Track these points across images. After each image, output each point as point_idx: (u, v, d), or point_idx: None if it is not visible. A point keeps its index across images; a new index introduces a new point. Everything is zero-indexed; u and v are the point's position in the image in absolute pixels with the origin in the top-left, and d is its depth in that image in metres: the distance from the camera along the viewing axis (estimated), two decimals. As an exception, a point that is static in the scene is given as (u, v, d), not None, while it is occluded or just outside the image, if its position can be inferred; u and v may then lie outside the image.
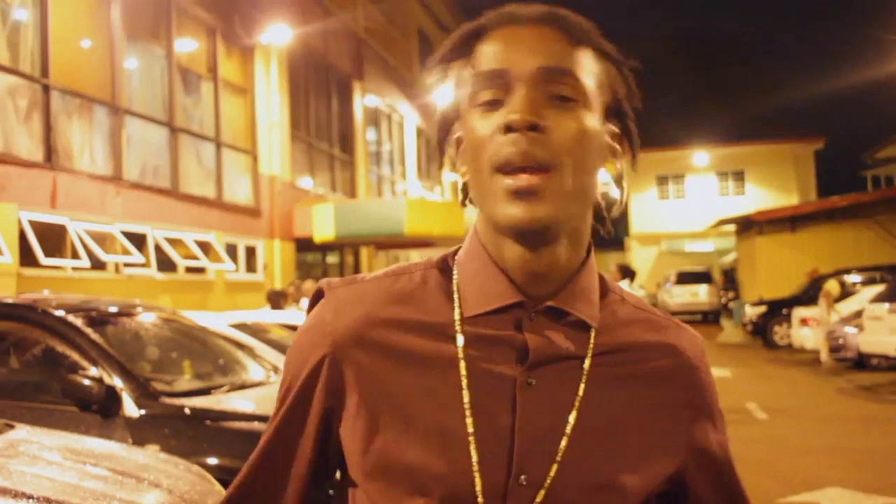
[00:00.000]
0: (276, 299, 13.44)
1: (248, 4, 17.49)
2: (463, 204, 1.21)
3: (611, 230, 1.25)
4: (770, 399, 13.05)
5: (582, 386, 1.12)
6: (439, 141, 1.21)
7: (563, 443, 1.09)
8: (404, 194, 27.84)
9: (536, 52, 1.09)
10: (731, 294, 35.73)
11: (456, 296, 1.15)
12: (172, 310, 7.87)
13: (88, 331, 5.62)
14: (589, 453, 1.11)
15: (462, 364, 1.10)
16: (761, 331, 22.81)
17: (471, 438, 1.08)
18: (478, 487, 1.07)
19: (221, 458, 5.00)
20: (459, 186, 1.20)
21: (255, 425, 5.28)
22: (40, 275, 11.12)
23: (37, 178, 11.45)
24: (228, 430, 5.26)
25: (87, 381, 5.17)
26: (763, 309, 23.16)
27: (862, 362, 16.31)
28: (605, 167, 1.16)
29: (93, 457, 3.90)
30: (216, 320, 9.04)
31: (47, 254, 11.17)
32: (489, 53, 1.11)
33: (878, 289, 17.07)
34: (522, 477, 1.08)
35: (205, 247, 15.44)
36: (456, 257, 1.20)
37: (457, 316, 1.13)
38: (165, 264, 14.11)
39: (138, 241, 13.37)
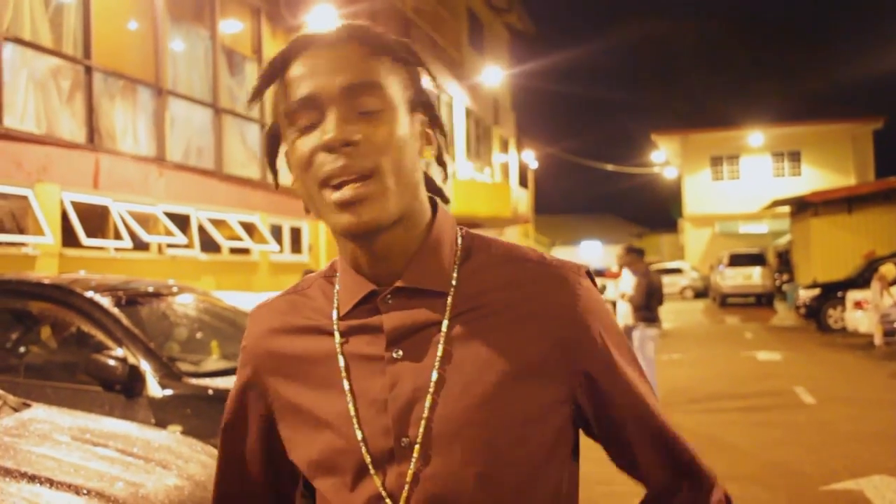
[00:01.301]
0: None
1: (292, -15, 17.46)
2: (306, 211, 1.33)
3: (448, 198, 1.39)
4: (820, 383, 12.76)
5: (440, 346, 1.23)
6: (269, 160, 1.36)
7: (428, 401, 1.22)
8: (452, 175, 27.72)
9: (338, 72, 1.20)
10: (785, 276, 35.10)
11: (336, 299, 1.32)
12: (205, 290, 7.85)
13: (114, 311, 5.59)
14: (453, 406, 1.21)
15: (339, 357, 1.28)
16: (815, 314, 22.34)
17: (353, 419, 1.25)
18: (367, 460, 1.23)
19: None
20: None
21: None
22: (82, 255, 11.21)
23: (79, 159, 11.52)
24: (252, 412, 5.20)
25: (110, 362, 5.15)
26: (817, 292, 22.68)
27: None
28: (425, 153, 1.29)
29: (104, 437, 3.86)
30: (254, 301, 9.02)
31: (89, 234, 11.25)
32: (297, 81, 1.22)
33: (936, 271, 16.59)
34: (404, 439, 1.22)
35: (249, 228, 15.48)
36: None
37: (335, 316, 1.31)
38: (209, 245, 14.18)
39: (181, 222, 13.43)
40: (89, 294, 5.69)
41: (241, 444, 1.42)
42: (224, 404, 4.41)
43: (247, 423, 1.40)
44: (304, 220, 17.97)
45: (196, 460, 3.87)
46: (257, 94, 1.30)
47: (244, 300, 8.54)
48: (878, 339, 16.80)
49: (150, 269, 12.30)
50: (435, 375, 1.22)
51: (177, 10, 14.30)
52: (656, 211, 61.63)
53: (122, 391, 5.21)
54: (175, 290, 6.76)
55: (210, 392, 5.25)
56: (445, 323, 1.24)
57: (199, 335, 6.51)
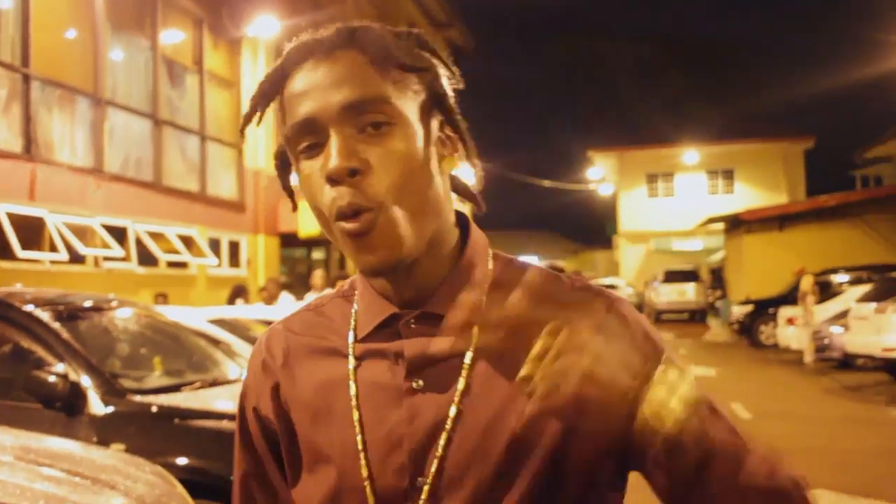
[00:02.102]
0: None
1: (234, -4, 17.35)
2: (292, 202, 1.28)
3: (483, 207, 1.27)
4: (755, 399, 12.95)
5: (462, 380, 1.12)
6: (282, 182, 1.25)
7: (443, 438, 1.11)
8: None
9: (337, 87, 1.08)
10: (718, 293, 35.68)
11: (353, 318, 1.21)
12: (146, 305, 7.75)
13: (55, 325, 5.49)
14: (469, 445, 1.10)
15: (352, 383, 1.16)
16: (747, 330, 22.77)
17: (361, 454, 1.13)
18: (370, 501, 1.12)
19: (190, 458, 4.89)
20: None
21: (225, 424, 5.15)
22: (17, 268, 10.97)
23: (15, 169, 11.30)
24: (197, 429, 5.14)
25: (51, 378, 5.03)
26: (750, 308, 23.09)
27: (847, 362, 16.27)
28: (444, 166, 1.16)
29: (49, 457, 3.78)
30: (194, 316, 8.91)
31: (24, 247, 11.02)
32: (294, 101, 1.11)
33: (865, 288, 17.00)
34: (419, 479, 1.11)
35: (187, 241, 15.30)
36: None
37: (350, 338, 1.19)
38: (146, 258, 13.98)
39: (119, 234, 13.23)
40: (28, 308, 5.58)
41: (260, 460, 1.26)
42: (169, 422, 4.34)
43: (268, 471, 1.25)
44: (243, 234, 17.81)
45: (143, 480, 3.81)
46: (249, 118, 1.17)
47: (176, 315, 8.44)
48: (808, 356, 17.14)
49: (86, 283, 12.08)
50: (453, 410, 1.11)
51: (117, 18, 14.11)
52: (592, 227, 62.21)
53: (63, 408, 5.10)
54: (115, 304, 6.65)
55: (154, 409, 5.16)
56: (469, 355, 1.12)
57: (142, 350, 6.41)
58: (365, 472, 1.12)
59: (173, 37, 16.16)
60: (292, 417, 1.20)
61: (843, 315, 16.31)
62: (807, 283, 17.99)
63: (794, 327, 18.66)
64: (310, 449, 1.18)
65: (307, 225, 18.35)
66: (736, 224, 30.30)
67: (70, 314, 5.85)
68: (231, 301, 13.20)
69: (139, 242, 13.76)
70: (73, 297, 6.37)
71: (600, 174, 48.46)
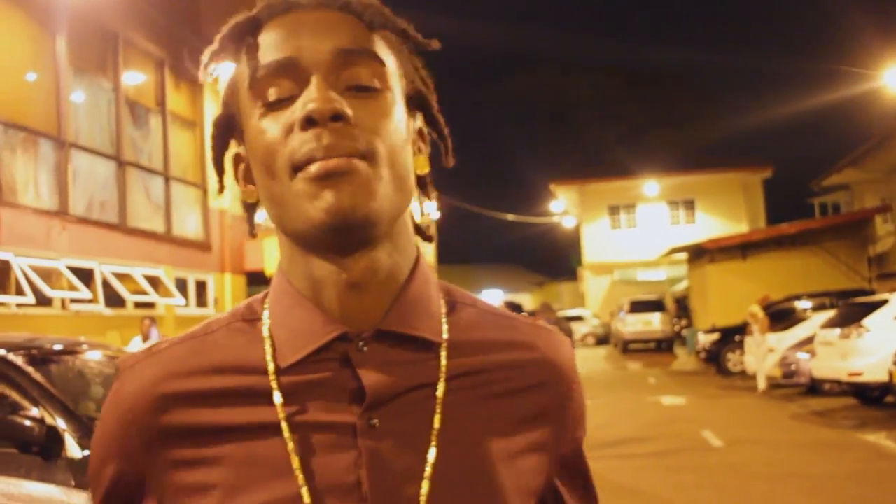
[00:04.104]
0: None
1: (195, 37, 17.37)
2: (252, 233, 1.08)
3: (431, 236, 1.11)
4: (725, 426, 13.05)
5: (437, 416, 0.95)
6: (214, 158, 1.03)
7: (425, 487, 0.92)
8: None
9: (328, 35, 0.93)
10: (683, 322, 35.92)
11: (268, 345, 0.97)
12: (118, 347, 7.68)
13: (29, 370, 5.43)
14: (457, 492, 0.94)
15: (284, 425, 0.93)
16: (714, 358, 22.92)
17: None
18: None
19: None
20: (246, 211, 1.06)
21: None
22: (-17, 312, 10.85)
23: (-21, 213, 11.19)
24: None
25: (27, 423, 4.98)
26: (716, 336, 23.27)
27: (814, 388, 16.44)
28: (416, 162, 1.00)
29: (29, 502, 3.73)
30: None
31: (-10, 290, 10.91)
32: (270, 43, 0.93)
33: (829, 314, 17.21)
34: None
35: (154, 281, 15.20)
36: (266, 302, 1.01)
37: (271, 369, 0.95)
38: (113, 300, 13.88)
39: (85, 276, 13.12)
40: (1, 352, 5.52)
41: None
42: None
43: None
44: (209, 273, 17.72)
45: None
46: (213, 59, 0.98)
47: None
48: (763, 383, 17.31)
49: (53, 325, 11.96)
50: (433, 454, 0.93)
51: (79, 61, 14.08)
52: (556, 259, 62.55)
53: (40, 453, 5.04)
54: (86, 347, 6.60)
55: (132, 451, 5.11)
56: (441, 386, 0.96)
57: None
58: None
59: (135, 78, 16.15)
60: (187, 485, 0.94)
61: (808, 341, 16.50)
62: (753, 312, 18.24)
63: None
64: None
65: (274, 263, 18.30)
66: (699, 253, 30.60)
67: (43, 358, 5.80)
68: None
69: (106, 284, 13.67)
70: (44, 341, 6.31)
71: (563, 207, 48.79)
